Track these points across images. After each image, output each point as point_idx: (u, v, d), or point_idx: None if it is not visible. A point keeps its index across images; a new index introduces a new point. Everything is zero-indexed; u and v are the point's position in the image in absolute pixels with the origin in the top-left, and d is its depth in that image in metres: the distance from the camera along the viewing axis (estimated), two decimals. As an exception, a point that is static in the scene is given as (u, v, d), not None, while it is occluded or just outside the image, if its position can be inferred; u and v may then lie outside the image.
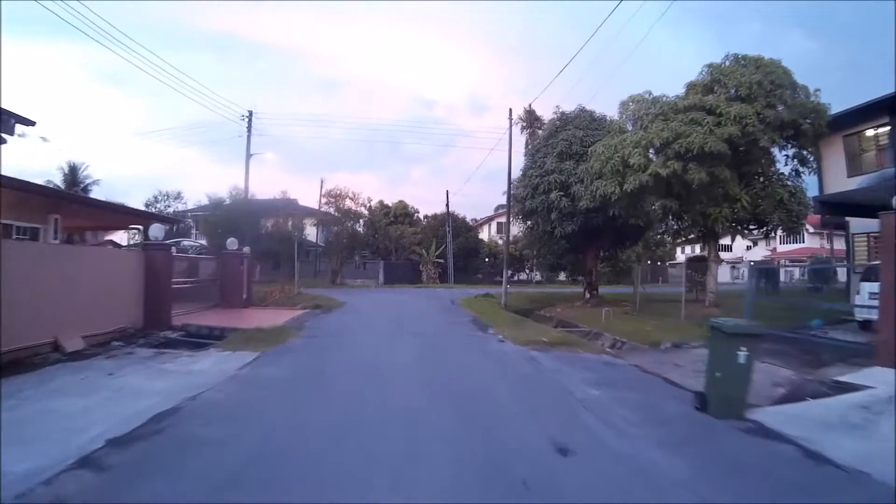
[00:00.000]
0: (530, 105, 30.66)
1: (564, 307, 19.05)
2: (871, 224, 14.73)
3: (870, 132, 15.59)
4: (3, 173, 8.37)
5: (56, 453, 3.91)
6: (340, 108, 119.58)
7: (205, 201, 33.31)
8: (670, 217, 16.30)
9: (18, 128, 9.84)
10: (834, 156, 16.25)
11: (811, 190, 15.61)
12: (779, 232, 16.06)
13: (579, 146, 17.54)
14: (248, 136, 27.48)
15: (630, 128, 14.81)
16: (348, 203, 32.15)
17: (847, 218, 16.05)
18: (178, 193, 36.46)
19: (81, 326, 8.69)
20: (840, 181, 15.66)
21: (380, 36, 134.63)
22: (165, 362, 7.64)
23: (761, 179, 14.59)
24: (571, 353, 9.10)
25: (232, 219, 26.92)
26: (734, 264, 46.41)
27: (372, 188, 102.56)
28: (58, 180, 30.94)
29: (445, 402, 5.75)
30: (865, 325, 10.68)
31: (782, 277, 27.93)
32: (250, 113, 27.49)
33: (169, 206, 35.22)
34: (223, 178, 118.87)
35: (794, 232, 15.76)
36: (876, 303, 10.16)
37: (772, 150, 14.33)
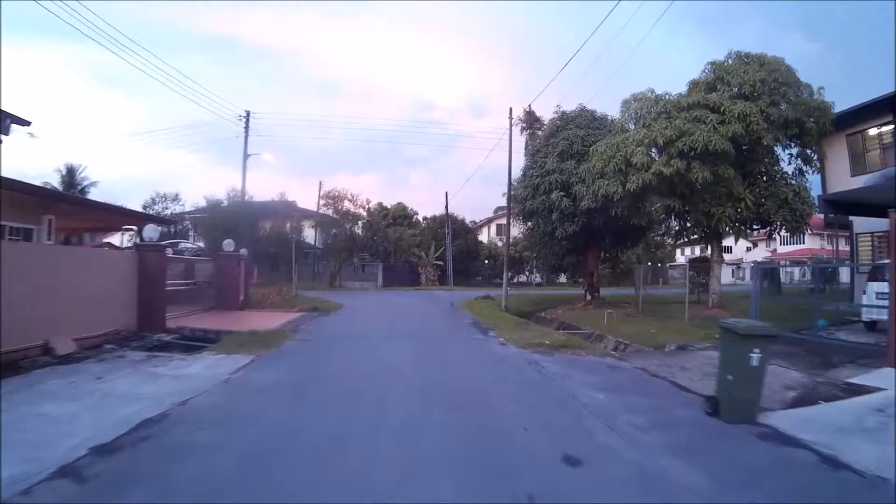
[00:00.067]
0: (530, 106, 30.57)
1: (565, 309, 18.86)
2: (875, 223, 14.68)
3: (873, 131, 15.41)
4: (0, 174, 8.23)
5: (37, 461, 3.73)
6: (340, 110, 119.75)
7: (203, 203, 33.10)
8: (673, 217, 16.11)
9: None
10: (837, 155, 16.08)
11: (814, 189, 15.47)
12: (782, 232, 15.83)
13: (580, 146, 17.37)
14: (246, 137, 27.32)
15: (632, 127, 14.64)
16: (347, 205, 31.91)
17: (851, 217, 15.87)
18: (176, 195, 36.12)
19: (73, 329, 8.50)
20: (843, 180, 15.48)
21: (379, 38, 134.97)
22: (157, 366, 7.42)
23: (765, 179, 14.42)
24: (575, 356, 8.87)
25: (229, 220, 26.72)
26: (735, 266, 46.33)
27: (371, 190, 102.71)
28: (55, 182, 30.70)
29: (445, 408, 5.50)
30: (872, 326, 10.54)
31: (783, 278, 27.78)
32: (247, 113, 27.32)
33: (167, 208, 34.92)
34: (222, 180, 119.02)
35: (797, 232, 15.54)
36: (884, 303, 10.04)
37: (775, 148, 14.17)
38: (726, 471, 3.97)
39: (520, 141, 29.60)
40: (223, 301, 15.70)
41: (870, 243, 15.82)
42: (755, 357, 5.01)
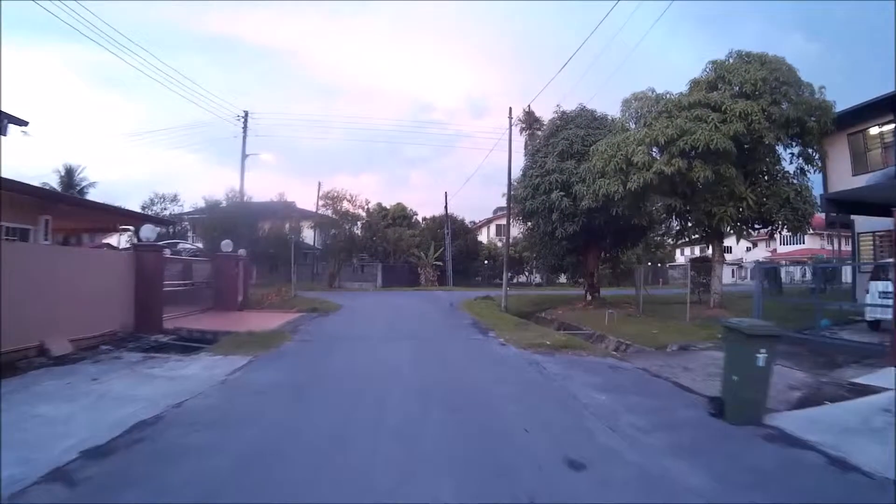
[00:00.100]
0: (529, 106, 30.41)
1: (566, 309, 18.77)
2: (876, 223, 14.62)
3: (874, 130, 15.34)
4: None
5: (28, 464, 3.65)
6: (339, 110, 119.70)
7: (202, 204, 33.00)
8: (674, 217, 16.03)
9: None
10: (839, 154, 16.00)
11: (815, 189, 15.39)
12: (783, 232, 15.74)
13: (580, 145, 17.29)
14: (244, 137, 27.24)
15: (633, 126, 14.55)
16: (346, 205, 31.80)
17: (853, 217, 15.80)
18: (175, 196, 36.01)
19: (69, 329, 8.41)
20: (845, 179, 15.41)
21: (379, 38, 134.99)
22: (153, 367, 7.33)
23: (766, 178, 14.34)
24: (576, 357, 8.77)
25: (228, 221, 26.64)
26: (735, 266, 46.28)
27: (371, 191, 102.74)
28: (54, 183, 30.58)
29: (445, 409, 5.41)
30: (876, 325, 10.48)
31: (783, 278, 27.69)
32: (246, 113, 27.25)
33: (165, 209, 34.80)
34: (221, 181, 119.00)
35: (799, 231, 15.45)
36: (888, 302, 9.97)
37: (776, 148, 14.09)
38: (733, 473, 3.88)
39: (519, 141, 29.52)
40: (221, 302, 15.60)
41: (871, 242, 15.76)
42: (761, 357, 4.92)
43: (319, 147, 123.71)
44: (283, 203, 33.73)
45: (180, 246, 23.05)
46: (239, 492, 3.41)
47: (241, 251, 17.68)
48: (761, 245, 54.28)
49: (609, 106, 20.18)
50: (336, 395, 6.06)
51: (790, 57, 14.50)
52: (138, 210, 26.52)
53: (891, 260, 10.69)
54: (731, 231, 14.92)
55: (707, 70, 14.36)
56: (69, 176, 31.75)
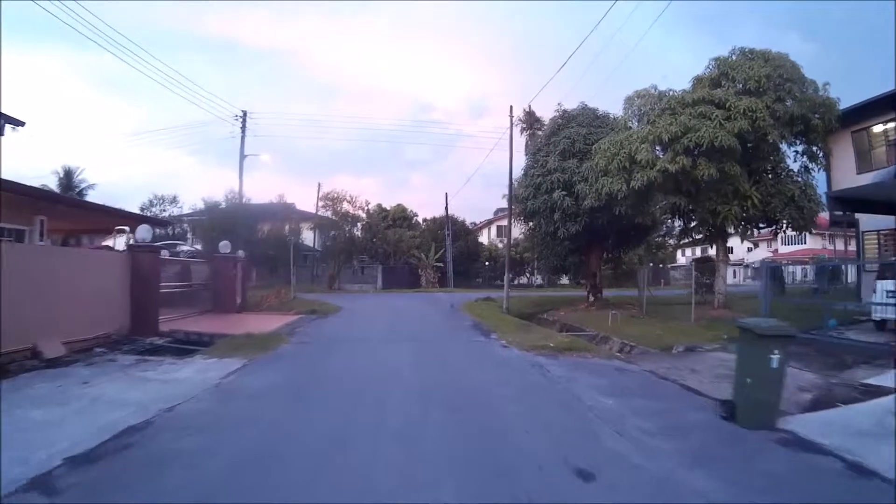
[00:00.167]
0: (529, 106, 30.24)
1: (568, 310, 18.59)
2: (881, 221, 14.47)
3: (878, 128, 15.16)
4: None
5: (8, 472, 3.47)
6: (339, 112, 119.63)
7: (201, 206, 32.88)
8: (678, 216, 15.85)
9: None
10: (842, 152, 15.82)
11: (819, 187, 15.21)
12: (788, 231, 15.55)
13: (582, 144, 17.12)
14: (242, 137, 27.06)
15: (635, 124, 14.38)
16: (346, 206, 31.71)
17: (857, 215, 15.63)
18: (174, 197, 35.91)
19: (62, 332, 8.25)
20: (849, 178, 15.23)
21: (379, 39, 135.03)
22: (146, 370, 7.16)
23: (770, 176, 14.16)
24: (580, 359, 8.57)
25: (227, 222, 26.51)
26: (737, 266, 46.10)
27: (371, 192, 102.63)
28: (53, 184, 30.50)
29: (446, 416, 5.18)
30: (882, 325, 10.35)
31: (785, 278, 27.51)
32: (244, 113, 27.07)
33: (164, 210, 34.70)
34: (221, 182, 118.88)
35: (804, 230, 15.26)
36: (895, 301, 9.83)
37: (780, 145, 13.91)
38: (748, 479, 3.71)
39: (520, 141, 29.35)
40: (219, 304, 15.44)
41: (876, 241, 15.60)
42: (775, 358, 4.74)
43: (319, 148, 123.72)
44: (282, 204, 33.61)
45: (180, 247, 22.94)
46: (229, 500, 3.24)
47: (240, 252, 17.54)
48: (763, 245, 54.18)
49: (608, 105, 20.19)
50: (333, 398, 5.87)
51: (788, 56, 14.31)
52: (136, 211, 26.33)
53: (896, 258, 10.55)
54: (736, 230, 14.72)
55: (710, 67, 14.18)
56: (68, 177, 31.67)
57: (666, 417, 5.19)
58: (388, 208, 43.47)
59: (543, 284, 39.12)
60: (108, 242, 16.98)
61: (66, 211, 14.57)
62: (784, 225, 14.39)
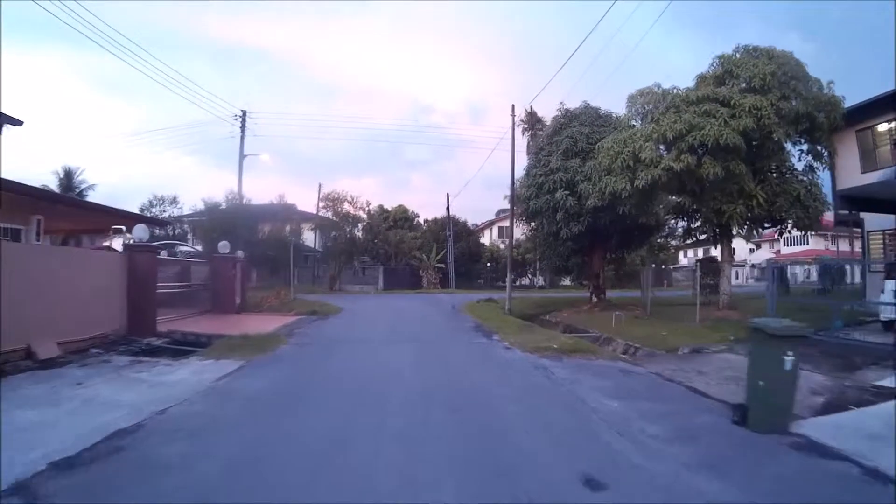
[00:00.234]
0: (531, 107, 29.99)
1: (571, 312, 18.41)
2: (884, 221, 14.32)
3: (883, 126, 15.01)
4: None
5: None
6: (340, 114, 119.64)
7: (201, 206, 32.76)
8: (682, 216, 15.68)
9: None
10: (847, 151, 15.66)
11: (824, 187, 15.03)
12: (793, 231, 15.38)
13: (585, 143, 16.93)
14: (242, 137, 26.95)
15: (638, 123, 14.22)
16: (347, 207, 31.54)
17: (862, 215, 15.47)
18: (174, 198, 35.83)
19: (57, 332, 8.12)
20: (854, 177, 15.09)
21: (379, 39, 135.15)
22: (140, 371, 7.01)
23: (775, 175, 13.99)
24: (584, 360, 8.39)
25: (227, 223, 26.37)
26: (740, 266, 45.96)
27: (372, 193, 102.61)
28: (53, 184, 30.41)
29: (448, 421, 4.98)
30: (890, 325, 10.16)
31: (788, 279, 27.37)
32: (244, 113, 26.96)
33: (164, 211, 34.63)
34: (222, 184, 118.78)
35: (809, 230, 15.08)
36: (904, 300, 9.67)
37: (785, 144, 13.74)
38: (763, 486, 3.56)
39: (521, 142, 29.16)
40: (219, 304, 15.31)
41: (881, 241, 15.46)
42: (789, 360, 4.56)
43: (320, 149, 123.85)
44: (283, 205, 33.48)
45: (180, 248, 22.83)
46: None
47: (239, 253, 17.42)
48: (765, 246, 54.01)
49: (609, 105, 20.09)
50: (330, 403, 5.69)
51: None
52: (136, 212, 26.19)
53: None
54: (742, 230, 14.55)
55: (714, 65, 14.02)
56: (68, 178, 31.58)
57: (675, 422, 5.01)
58: (390, 209, 43.31)
59: (545, 285, 38.94)
60: (109, 243, 16.87)
61: (64, 210, 14.49)
62: (789, 225, 14.23)
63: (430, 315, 17.21)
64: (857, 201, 14.07)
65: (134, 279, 10.39)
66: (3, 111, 11.05)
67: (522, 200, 19.17)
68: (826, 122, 13.21)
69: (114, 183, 65.65)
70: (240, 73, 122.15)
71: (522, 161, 24.29)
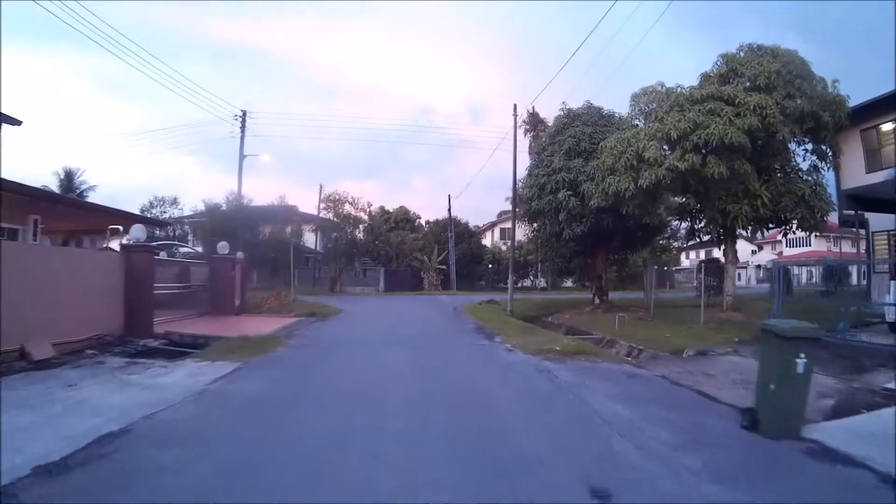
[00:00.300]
0: (533, 107, 29.80)
1: (573, 313, 18.26)
2: (892, 221, 14.16)
3: (887, 126, 14.85)
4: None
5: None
6: (341, 116, 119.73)
7: (202, 207, 32.66)
8: (686, 216, 15.51)
9: None
10: (852, 151, 15.51)
11: (829, 187, 14.87)
12: (797, 232, 15.19)
13: (588, 143, 16.80)
14: (242, 137, 26.89)
15: (641, 122, 14.07)
16: (347, 208, 31.38)
17: (867, 215, 15.31)
18: (175, 199, 35.77)
19: (52, 333, 8.00)
20: (858, 177, 14.94)
21: (379, 40, 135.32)
22: (134, 373, 6.87)
23: (780, 175, 13.82)
24: (589, 363, 8.22)
25: (228, 224, 26.24)
26: (742, 269, 45.80)
27: (373, 194, 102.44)
28: (53, 185, 30.37)
29: (448, 428, 4.78)
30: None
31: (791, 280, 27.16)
32: (244, 113, 26.89)
33: (165, 212, 34.56)
34: (222, 185, 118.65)
35: (814, 230, 14.89)
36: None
37: (789, 144, 13.58)
38: (779, 496, 3.40)
39: (523, 143, 29.03)
40: (218, 305, 15.17)
41: (886, 242, 15.31)
42: (801, 362, 4.40)
43: (321, 150, 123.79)
44: (283, 206, 33.32)
45: (180, 249, 22.74)
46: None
47: (239, 254, 17.29)
48: (767, 248, 53.82)
49: (609, 105, 19.94)
50: (327, 407, 5.52)
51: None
52: (136, 212, 26.10)
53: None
54: (746, 230, 14.38)
55: (718, 63, 13.86)
56: (69, 179, 31.53)
57: (684, 427, 4.86)
58: (391, 210, 43.18)
59: (547, 287, 38.80)
60: (108, 243, 16.77)
61: (63, 211, 14.38)
62: (794, 225, 14.06)
63: (430, 317, 17.06)
64: (862, 201, 13.92)
65: (131, 279, 10.26)
66: (1, 111, 11.00)
67: (524, 201, 19.04)
68: (831, 121, 13.05)
69: (114, 184, 65.71)
70: (240, 74, 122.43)
71: (524, 161, 24.13)
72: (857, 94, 13.60)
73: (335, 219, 31.44)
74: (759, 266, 47.31)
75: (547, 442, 4.40)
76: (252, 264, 25.08)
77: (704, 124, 11.43)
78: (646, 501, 3.30)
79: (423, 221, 45.76)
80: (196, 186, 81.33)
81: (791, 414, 4.53)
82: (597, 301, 19.42)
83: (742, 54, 13.66)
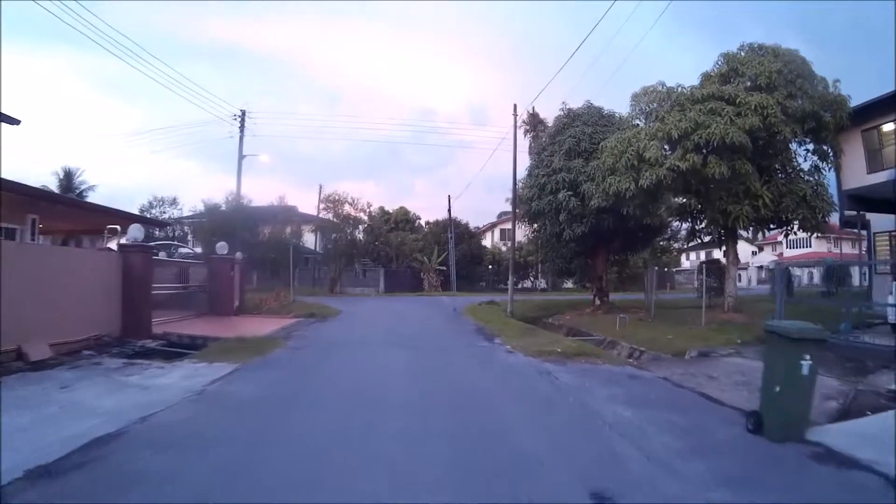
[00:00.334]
0: (533, 108, 29.93)
1: (574, 314, 18.18)
2: (890, 222, 14.09)
3: (888, 126, 14.79)
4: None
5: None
6: (342, 118, 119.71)
7: (201, 208, 32.62)
8: (687, 217, 15.43)
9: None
10: (853, 151, 15.45)
11: (830, 187, 14.81)
12: (799, 232, 15.11)
13: (588, 143, 16.71)
14: (241, 137, 26.79)
15: (642, 122, 14.00)
16: (347, 209, 31.35)
17: (868, 216, 15.25)
18: (174, 199, 35.77)
19: (50, 333, 7.94)
20: (859, 177, 14.88)
21: (379, 42, 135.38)
22: (131, 375, 6.79)
23: (781, 175, 13.75)
24: (590, 365, 8.14)
25: (227, 224, 26.18)
26: (742, 270, 45.77)
27: (373, 195, 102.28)
28: (53, 185, 30.35)
29: (447, 432, 4.68)
30: (898, 328, 9.91)
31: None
32: (243, 112, 26.79)
33: (164, 212, 34.53)
34: (222, 186, 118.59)
35: (816, 230, 14.81)
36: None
37: (791, 143, 13.52)
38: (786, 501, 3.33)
39: (523, 144, 29.02)
40: (217, 306, 15.09)
41: (888, 242, 15.25)
42: (806, 364, 4.33)
43: (321, 151, 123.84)
44: (283, 207, 33.26)
45: (179, 249, 22.69)
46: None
47: (238, 254, 17.22)
48: (767, 249, 53.79)
49: (610, 105, 19.90)
50: (325, 409, 5.44)
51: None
52: (136, 213, 26.04)
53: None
54: (747, 231, 14.30)
55: (719, 63, 13.80)
56: (68, 179, 31.51)
57: (688, 430, 4.78)
58: (391, 211, 43.12)
59: (547, 288, 38.73)
60: (105, 243, 16.72)
61: (61, 210, 14.32)
62: (795, 226, 13.99)
63: (430, 318, 16.98)
64: (863, 202, 13.86)
65: (129, 280, 10.19)
66: (0, 110, 10.94)
67: (524, 201, 18.95)
68: (832, 121, 12.99)
69: (114, 184, 65.81)
70: (240, 74, 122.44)
71: (524, 162, 24.09)
72: (856, 94, 13.55)
73: (335, 219, 31.39)
74: (760, 267, 47.26)
75: (548, 447, 4.31)
76: (251, 265, 25.01)
77: (705, 124, 11.36)
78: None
79: (422, 222, 45.72)
80: (196, 187, 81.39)
81: (796, 417, 4.46)
82: (597, 302, 19.33)
83: (743, 54, 13.61)
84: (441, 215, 41.65)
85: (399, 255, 36.05)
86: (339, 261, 32.12)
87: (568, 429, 4.90)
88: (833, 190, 14.80)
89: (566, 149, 17.01)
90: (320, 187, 33.80)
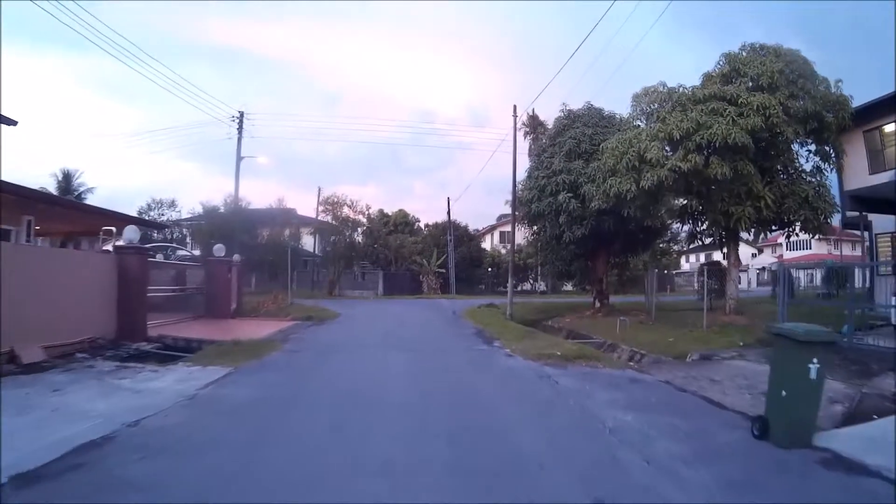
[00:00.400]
0: (533, 110, 29.86)
1: (573, 317, 18.05)
2: (891, 223, 14.00)
3: (890, 127, 14.71)
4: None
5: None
6: (341, 121, 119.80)
7: (200, 210, 32.52)
8: (688, 218, 15.32)
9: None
10: (855, 152, 15.36)
11: (832, 188, 14.72)
12: (800, 234, 15.00)
13: (588, 144, 16.58)
14: (239, 139, 26.66)
15: (643, 122, 13.90)
16: (346, 211, 31.23)
17: (870, 217, 15.15)
18: (173, 201, 35.74)
19: (43, 336, 7.88)
20: (861, 178, 14.79)
21: (379, 43, 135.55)
22: (123, 378, 6.68)
23: (783, 176, 13.66)
24: (590, 368, 8.03)
25: (226, 227, 26.06)
26: (742, 272, 45.67)
27: (372, 197, 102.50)
28: (51, 187, 30.25)
29: (446, 438, 4.55)
30: (903, 329, 9.81)
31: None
32: (241, 114, 26.68)
33: (163, 215, 34.45)
34: (221, 188, 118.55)
35: (818, 232, 14.71)
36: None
37: (792, 145, 13.43)
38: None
39: (523, 145, 28.92)
40: (214, 309, 14.98)
41: (890, 243, 15.16)
42: (814, 368, 4.21)
43: (320, 153, 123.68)
44: (282, 209, 33.16)
45: (177, 251, 22.59)
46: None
47: (236, 257, 17.12)
48: (767, 251, 53.67)
49: (610, 107, 19.73)
50: (320, 414, 5.31)
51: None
52: (134, 214, 25.93)
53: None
54: (749, 233, 14.19)
55: (720, 63, 13.71)
56: (66, 180, 31.42)
57: (691, 435, 4.66)
58: (390, 213, 43.04)
59: (547, 291, 38.59)
60: (101, 245, 16.61)
61: (58, 212, 14.23)
62: (797, 227, 13.88)
63: (429, 321, 16.88)
64: (865, 202, 13.78)
65: (124, 282, 10.10)
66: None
67: (524, 203, 18.80)
68: (834, 121, 12.91)
69: (113, 186, 65.68)
70: (239, 76, 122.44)
71: (524, 163, 23.98)
72: (856, 95, 13.47)
73: (334, 222, 31.28)
74: (762, 268, 47.13)
75: (548, 454, 4.18)
76: (250, 267, 24.90)
77: (707, 124, 11.26)
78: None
79: (422, 225, 45.68)
80: (195, 189, 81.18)
81: (803, 422, 4.34)
82: (597, 304, 19.19)
83: (745, 54, 13.51)
84: (440, 218, 41.60)
85: (398, 257, 35.95)
86: (337, 263, 32.01)
87: (568, 433, 4.79)
88: (835, 191, 14.72)
89: (566, 150, 16.88)
90: (319, 189, 33.71)
